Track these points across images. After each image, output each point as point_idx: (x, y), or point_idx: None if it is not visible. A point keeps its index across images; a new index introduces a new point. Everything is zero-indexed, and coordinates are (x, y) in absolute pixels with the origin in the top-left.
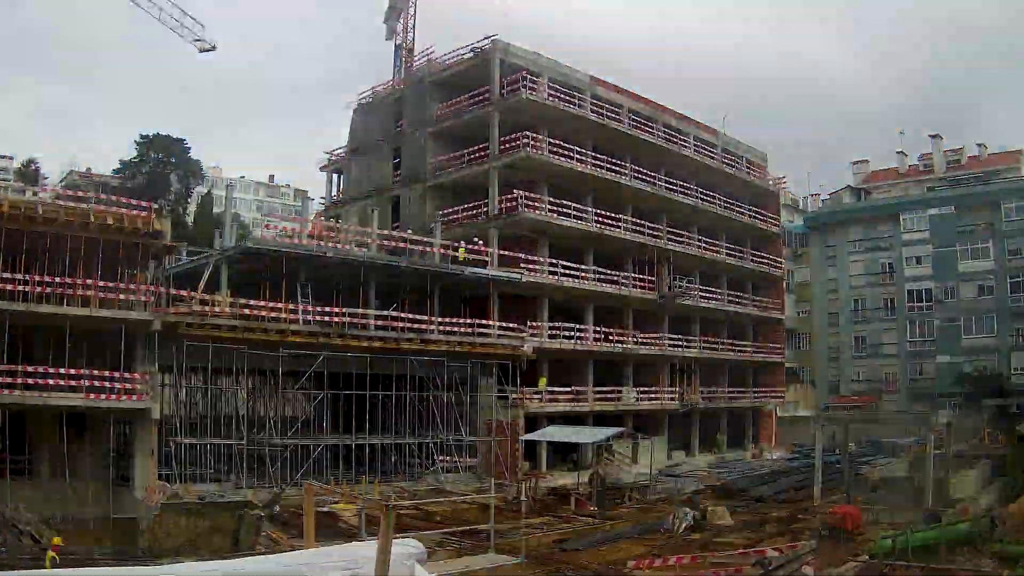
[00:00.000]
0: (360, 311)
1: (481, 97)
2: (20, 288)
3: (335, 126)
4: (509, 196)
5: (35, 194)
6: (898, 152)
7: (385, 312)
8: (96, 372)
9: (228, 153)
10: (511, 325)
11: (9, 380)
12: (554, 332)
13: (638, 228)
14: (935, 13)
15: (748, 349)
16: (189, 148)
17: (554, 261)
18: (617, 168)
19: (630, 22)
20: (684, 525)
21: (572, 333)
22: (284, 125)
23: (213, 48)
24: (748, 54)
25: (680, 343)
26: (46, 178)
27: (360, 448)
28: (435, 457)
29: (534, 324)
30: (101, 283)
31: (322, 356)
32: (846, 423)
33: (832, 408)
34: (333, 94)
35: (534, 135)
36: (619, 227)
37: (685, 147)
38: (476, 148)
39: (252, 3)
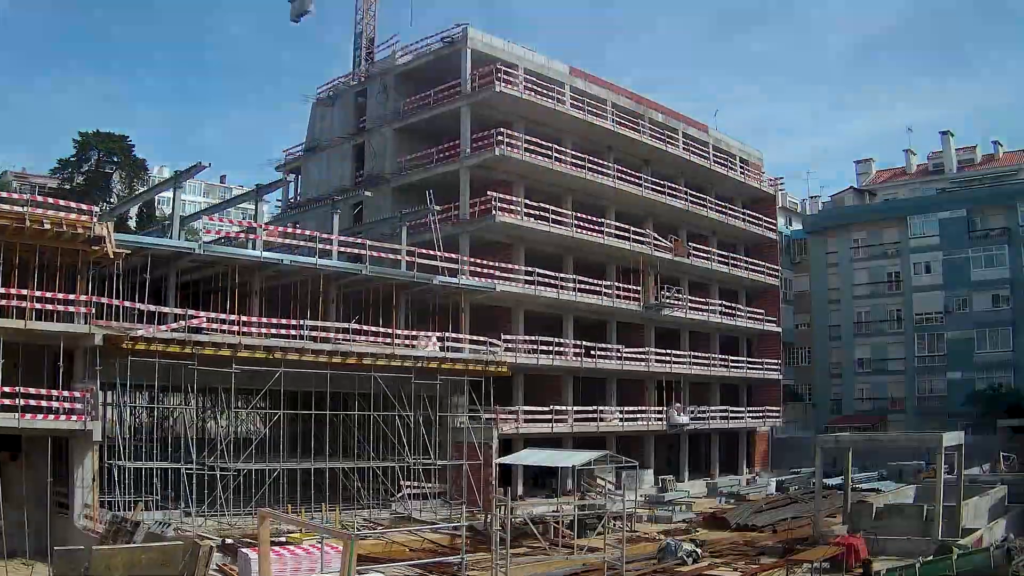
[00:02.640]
0: (319, 323)
1: (451, 90)
2: None
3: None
4: (482, 199)
5: None
6: (905, 150)
7: (346, 325)
8: (32, 390)
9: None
10: (484, 339)
11: None
12: (531, 347)
13: (622, 233)
14: None
15: (742, 365)
16: (133, 146)
17: (530, 269)
18: (599, 168)
19: None
20: (677, 556)
21: (550, 348)
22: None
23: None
24: None
25: (668, 359)
26: None
27: (320, 473)
28: (401, 483)
29: (509, 338)
30: (37, 293)
31: (278, 373)
32: (848, 446)
33: (833, 429)
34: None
35: (509, 132)
36: (601, 232)
37: (673, 145)
38: (446, 146)
39: None
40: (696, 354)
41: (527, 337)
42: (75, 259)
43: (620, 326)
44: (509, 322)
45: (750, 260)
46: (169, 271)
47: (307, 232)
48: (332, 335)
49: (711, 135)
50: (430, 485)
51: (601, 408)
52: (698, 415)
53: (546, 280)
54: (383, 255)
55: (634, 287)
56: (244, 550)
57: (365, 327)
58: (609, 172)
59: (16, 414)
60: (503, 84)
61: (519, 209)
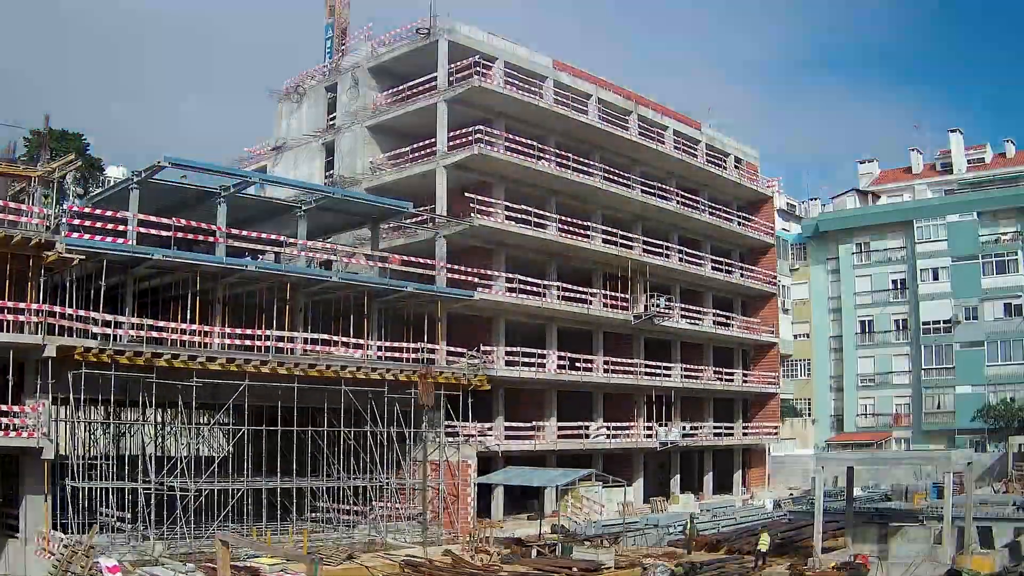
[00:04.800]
0: (286, 333)
1: (427, 86)
2: None
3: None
4: (459, 201)
5: None
6: (911, 149)
7: (315, 335)
8: None
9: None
10: (462, 351)
11: None
12: (512, 359)
13: (610, 238)
14: None
15: (737, 378)
16: (88, 144)
17: (512, 276)
18: (585, 168)
19: None
20: None
21: (532, 360)
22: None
23: None
24: None
25: (658, 371)
26: None
27: (287, 493)
28: (373, 503)
29: (488, 349)
30: None
31: (242, 386)
32: (851, 464)
33: (835, 447)
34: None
35: (488, 130)
36: (587, 237)
37: (664, 143)
38: (421, 145)
39: None
40: (688, 367)
41: (508, 348)
42: (25, 265)
43: (607, 337)
44: (489, 332)
45: (746, 266)
46: (126, 278)
47: (273, 236)
48: (300, 346)
49: (704, 133)
50: (404, 506)
51: (586, 424)
52: (690, 432)
53: (528, 288)
54: (354, 261)
55: (622, 295)
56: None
57: (335, 338)
58: (595, 172)
59: None
60: (482, 78)
61: (499, 212)
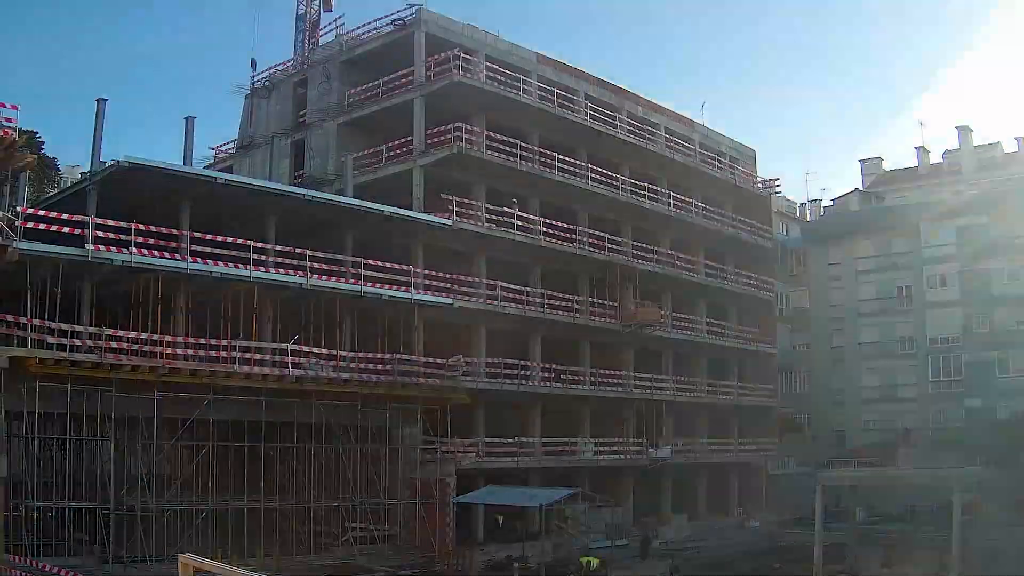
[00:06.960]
0: (254, 344)
1: (403, 80)
2: None
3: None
4: (437, 202)
5: None
6: (918, 148)
7: (285, 345)
8: None
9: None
10: (440, 361)
11: None
12: (493, 370)
13: (597, 241)
14: None
15: (732, 391)
16: (43, 142)
17: (493, 282)
18: (571, 167)
19: None
20: None
21: (515, 371)
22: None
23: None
24: None
25: (648, 383)
26: None
27: (254, 513)
28: (346, 524)
29: (469, 360)
30: None
31: (207, 400)
32: (853, 483)
33: (836, 464)
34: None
35: (468, 127)
36: (573, 240)
37: (655, 141)
38: (397, 143)
39: None
40: (680, 378)
41: (489, 359)
42: None
43: (594, 346)
44: (469, 342)
45: (741, 271)
46: (83, 284)
47: (239, 240)
48: (268, 357)
49: (697, 130)
50: (379, 528)
51: (573, 439)
52: (682, 447)
53: (510, 294)
54: (325, 266)
55: (610, 302)
56: None
57: (305, 348)
58: (582, 172)
59: None
60: (461, 73)
61: (479, 214)
